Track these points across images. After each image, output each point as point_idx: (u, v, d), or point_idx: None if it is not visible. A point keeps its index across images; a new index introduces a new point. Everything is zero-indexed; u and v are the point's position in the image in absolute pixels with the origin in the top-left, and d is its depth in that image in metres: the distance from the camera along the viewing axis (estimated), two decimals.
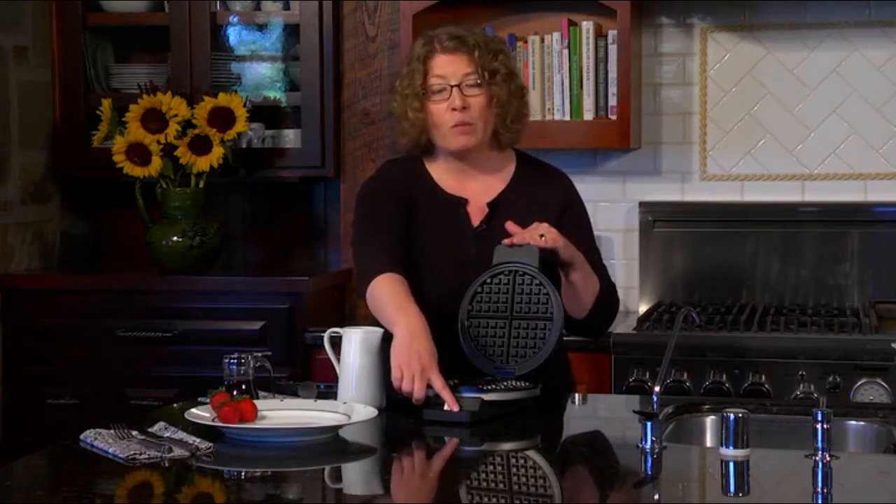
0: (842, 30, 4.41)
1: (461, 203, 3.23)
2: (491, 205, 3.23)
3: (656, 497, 2.42)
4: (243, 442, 2.66)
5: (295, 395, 3.02)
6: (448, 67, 3.15)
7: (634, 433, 2.59)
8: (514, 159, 3.31)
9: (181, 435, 2.64)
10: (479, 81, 3.15)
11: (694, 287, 4.45)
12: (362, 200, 3.26)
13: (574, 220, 3.26)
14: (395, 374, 2.87)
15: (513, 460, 2.66)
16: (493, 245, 3.08)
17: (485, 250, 3.11)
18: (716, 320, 4.03)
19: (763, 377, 3.81)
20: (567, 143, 4.37)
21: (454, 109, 3.14)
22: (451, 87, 3.14)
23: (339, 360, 2.98)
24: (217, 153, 4.35)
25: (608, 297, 3.24)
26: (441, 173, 3.25)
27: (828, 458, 2.41)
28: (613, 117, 4.32)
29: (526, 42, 4.41)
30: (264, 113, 4.63)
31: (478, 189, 3.25)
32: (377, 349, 2.95)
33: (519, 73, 3.29)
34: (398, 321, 2.93)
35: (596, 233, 4.50)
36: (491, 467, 2.61)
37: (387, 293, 3.02)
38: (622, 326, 4.09)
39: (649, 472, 2.50)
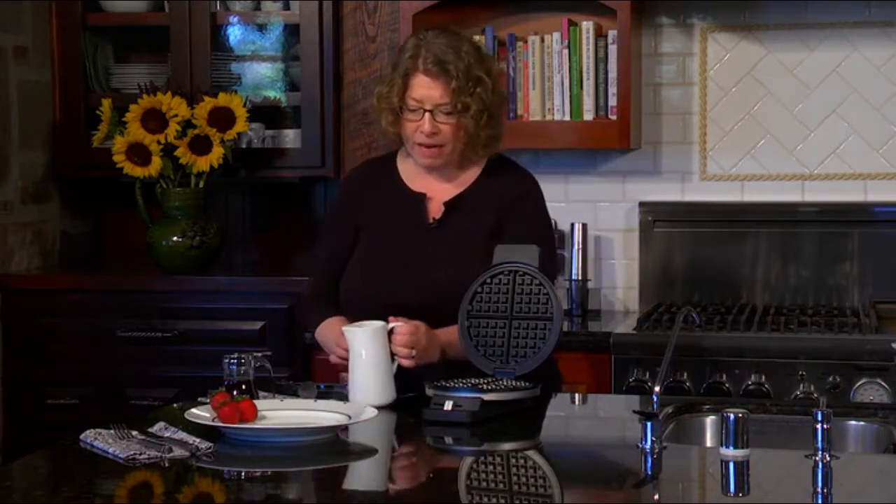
0: (842, 30, 4.41)
1: (421, 198, 3.32)
2: (448, 203, 3.30)
3: (656, 497, 2.42)
4: (243, 442, 2.66)
5: (295, 395, 3.02)
6: (425, 91, 3.22)
7: (634, 433, 2.59)
8: (483, 163, 3.36)
9: (181, 435, 2.64)
10: (451, 111, 3.22)
11: (694, 287, 4.45)
12: (332, 203, 3.59)
13: (522, 211, 3.32)
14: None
15: (513, 460, 2.66)
16: (443, 241, 3.23)
17: (435, 246, 3.24)
18: (716, 320, 4.03)
19: (763, 377, 3.81)
20: (567, 143, 4.37)
21: (423, 132, 3.23)
22: (425, 111, 3.22)
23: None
24: (217, 153, 4.35)
25: None
26: (409, 172, 3.36)
27: (828, 458, 2.41)
28: (613, 117, 4.32)
29: (526, 42, 4.41)
30: (264, 113, 4.63)
31: (440, 189, 3.33)
32: (383, 342, 2.97)
33: (500, 98, 3.32)
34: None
35: (596, 233, 4.54)
36: (491, 467, 2.61)
37: (330, 332, 3.25)
38: (622, 326, 4.09)
39: (649, 472, 2.50)
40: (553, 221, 4.37)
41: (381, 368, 2.98)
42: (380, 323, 3.02)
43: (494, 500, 2.36)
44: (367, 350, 2.98)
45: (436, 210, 3.30)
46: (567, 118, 4.37)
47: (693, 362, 3.84)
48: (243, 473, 2.54)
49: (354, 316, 3.23)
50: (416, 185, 3.33)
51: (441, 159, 3.27)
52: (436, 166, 3.30)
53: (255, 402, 2.76)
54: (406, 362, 3.04)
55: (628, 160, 4.54)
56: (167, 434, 2.65)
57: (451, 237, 3.25)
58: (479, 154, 3.31)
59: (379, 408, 2.93)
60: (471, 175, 3.34)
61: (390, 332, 3.03)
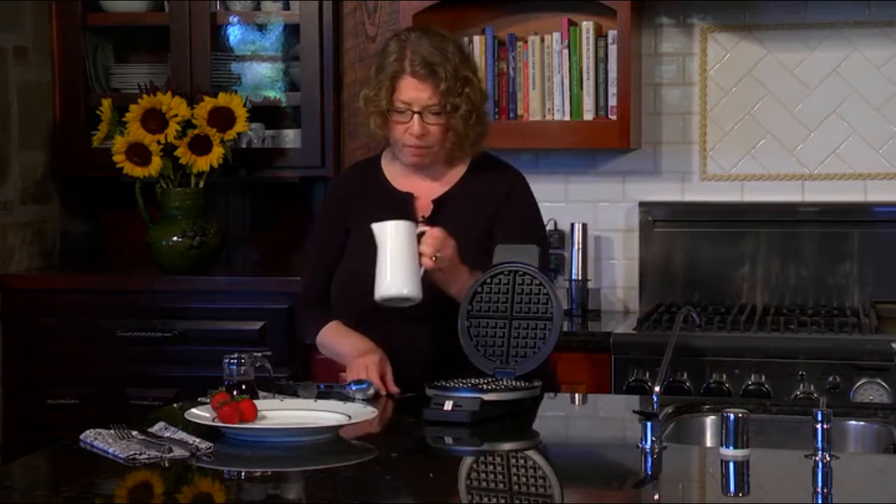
0: (842, 30, 4.41)
1: (409, 198, 3.31)
2: (436, 201, 3.30)
3: (656, 497, 2.42)
4: (243, 442, 2.66)
5: (295, 395, 3.02)
6: (414, 93, 3.21)
7: (634, 433, 2.59)
8: (468, 161, 3.36)
9: (181, 435, 2.64)
10: (440, 111, 3.22)
11: (694, 287, 4.45)
12: (321, 205, 3.53)
13: (512, 209, 3.31)
14: (353, 377, 3.10)
15: (513, 460, 2.66)
16: None
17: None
18: (716, 320, 4.03)
19: (763, 377, 3.81)
20: (567, 143, 4.37)
21: (412, 134, 3.22)
22: (414, 112, 3.21)
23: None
24: (217, 153, 4.35)
25: None
26: (394, 173, 3.36)
27: (828, 458, 2.41)
28: (613, 117, 4.32)
29: (526, 42, 4.41)
30: (264, 113, 4.63)
31: (426, 188, 3.33)
32: (412, 237, 3.02)
33: (484, 96, 3.33)
34: (347, 348, 3.22)
35: (596, 233, 4.54)
36: (491, 467, 2.61)
37: (333, 338, 3.30)
38: (622, 326, 4.09)
39: (649, 472, 2.50)
40: (553, 221, 4.40)
41: (408, 261, 3.00)
42: (410, 221, 3.06)
43: (494, 500, 2.36)
44: (395, 241, 3.01)
45: (424, 208, 3.29)
46: (567, 118, 4.37)
47: (693, 362, 3.84)
48: (243, 473, 2.54)
49: (346, 317, 3.24)
50: (402, 185, 3.33)
51: (429, 159, 3.28)
52: (422, 165, 3.30)
53: (255, 402, 2.76)
54: (427, 262, 3.03)
55: (628, 160, 4.54)
56: (167, 434, 2.65)
57: None
58: (466, 153, 3.31)
59: (405, 300, 2.98)
60: (456, 173, 3.34)
61: (420, 236, 3.04)
